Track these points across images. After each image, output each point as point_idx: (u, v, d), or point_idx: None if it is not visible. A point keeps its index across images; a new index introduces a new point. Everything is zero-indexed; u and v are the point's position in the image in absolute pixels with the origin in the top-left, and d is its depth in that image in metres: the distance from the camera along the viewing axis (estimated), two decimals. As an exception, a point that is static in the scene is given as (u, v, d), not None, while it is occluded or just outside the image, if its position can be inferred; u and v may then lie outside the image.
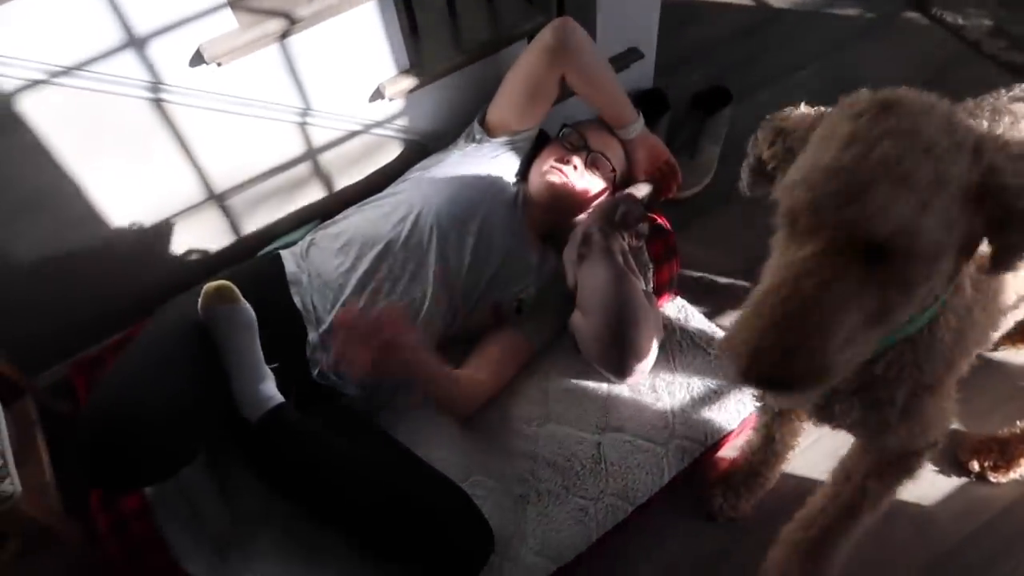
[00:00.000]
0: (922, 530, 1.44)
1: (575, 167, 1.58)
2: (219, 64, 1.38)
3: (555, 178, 1.57)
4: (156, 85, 1.36)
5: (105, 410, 1.14)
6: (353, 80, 1.57)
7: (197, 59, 1.36)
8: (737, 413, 1.49)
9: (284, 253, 1.54)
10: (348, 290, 1.44)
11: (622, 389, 1.53)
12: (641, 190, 1.60)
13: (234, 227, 1.68)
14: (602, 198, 1.63)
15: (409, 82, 1.60)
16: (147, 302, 1.63)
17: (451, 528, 1.29)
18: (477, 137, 1.64)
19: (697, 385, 1.52)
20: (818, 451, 1.54)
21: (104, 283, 1.59)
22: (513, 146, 1.65)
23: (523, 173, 1.70)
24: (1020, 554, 1.41)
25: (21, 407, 1.45)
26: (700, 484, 1.48)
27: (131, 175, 1.47)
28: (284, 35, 1.41)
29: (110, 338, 1.65)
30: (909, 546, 1.42)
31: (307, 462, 1.30)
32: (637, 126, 1.65)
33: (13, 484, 1.21)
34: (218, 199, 1.61)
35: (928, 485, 1.48)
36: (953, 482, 1.49)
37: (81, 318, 1.61)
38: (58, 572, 1.45)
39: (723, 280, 1.80)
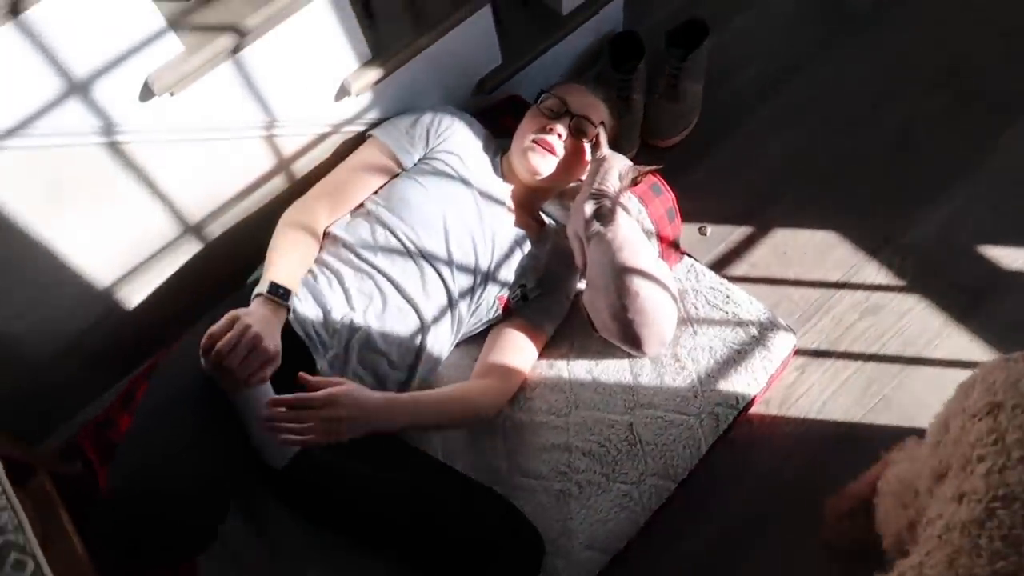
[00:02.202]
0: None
1: (559, 135, 1.50)
2: (172, 94, 1.27)
3: (537, 157, 1.49)
4: (109, 128, 1.25)
5: (130, 492, 1.08)
6: (316, 81, 1.46)
7: (147, 93, 1.25)
8: (764, 371, 1.46)
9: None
10: (350, 315, 1.38)
11: (645, 363, 1.49)
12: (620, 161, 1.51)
13: (217, 256, 1.59)
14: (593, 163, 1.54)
15: (374, 74, 1.49)
16: (142, 347, 1.57)
17: (499, 538, 1.27)
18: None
19: (719, 347, 1.49)
20: (849, 393, 1.53)
21: (92, 338, 1.50)
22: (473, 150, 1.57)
23: (501, 147, 1.62)
24: None
25: (38, 485, 1.39)
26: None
27: (101, 224, 1.37)
28: (236, 50, 1.29)
29: (110, 389, 1.58)
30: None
31: (344, 498, 1.27)
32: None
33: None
34: (196, 230, 1.51)
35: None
36: None
37: (75, 377, 1.54)
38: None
39: (726, 227, 1.75)
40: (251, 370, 1.15)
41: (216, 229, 1.55)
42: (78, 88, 1.18)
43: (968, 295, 1.59)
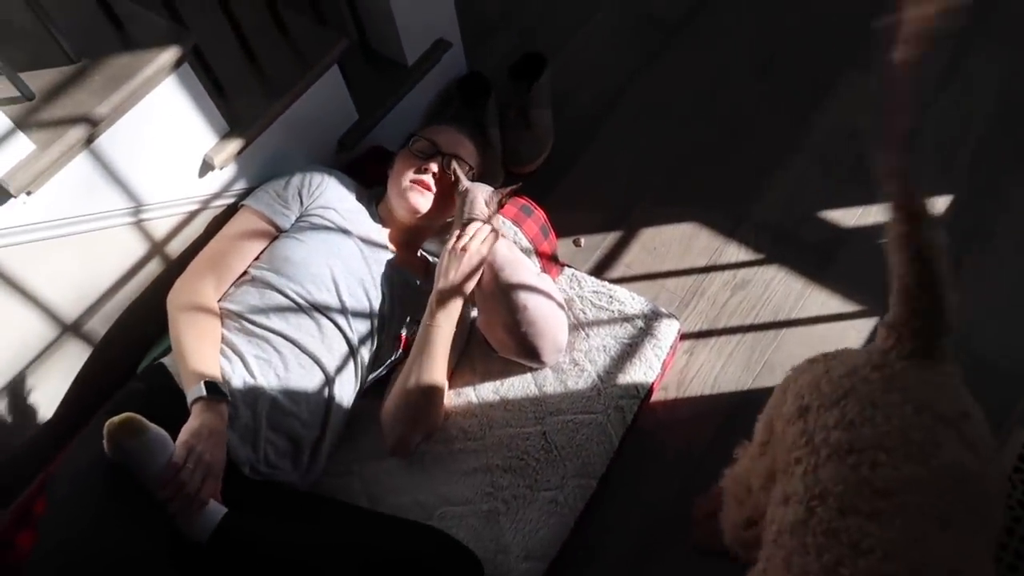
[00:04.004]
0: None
1: (434, 173, 1.56)
2: (28, 193, 1.25)
3: (416, 195, 1.55)
4: (-34, 238, 1.22)
5: None
6: (178, 160, 1.47)
7: (2, 195, 1.23)
8: (656, 358, 1.56)
9: (166, 360, 1.44)
10: (251, 382, 1.38)
11: (547, 373, 1.56)
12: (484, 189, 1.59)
13: (101, 352, 1.55)
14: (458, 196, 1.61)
15: (235, 145, 1.52)
16: (33, 461, 1.50)
17: (438, 569, 1.29)
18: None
19: (612, 345, 1.57)
20: (736, 364, 1.65)
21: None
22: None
23: (374, 196, 1.67)
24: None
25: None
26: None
27: (-31, 339, 1.32)
28: (89, 140, 1.29)
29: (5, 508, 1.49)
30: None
31: (276, 561, 1.25)
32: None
33: None
34: (74, 328, 1.48)
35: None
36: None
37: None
38: None
39: (597, 236, 1.86)
40: (204, 491, 1.22)
41: (97, 324, 1.52)
42: (-74, 201, 1.15)
43: (819, 255, 1.76)
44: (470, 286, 1.47)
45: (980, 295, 1.63)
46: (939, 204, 1.77)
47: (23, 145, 1.22)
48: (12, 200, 1.25)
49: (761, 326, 1.68)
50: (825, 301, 1.70)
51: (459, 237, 1.46)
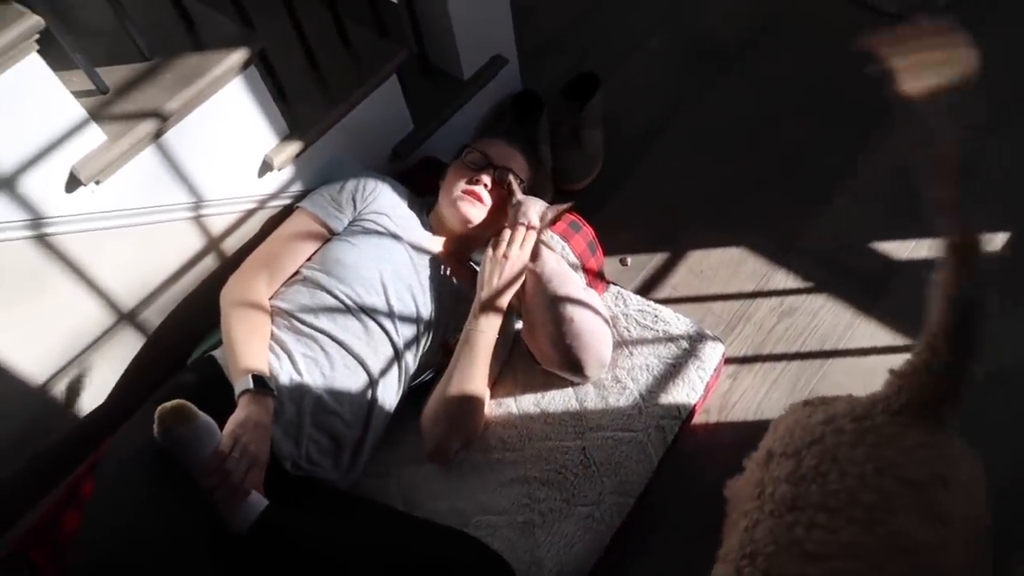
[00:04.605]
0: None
1: (486, 185, 1.58)
2: (97, 183, 1.30)
3: (468, 206, 1.56)
4: (37, 222, 1.26)
5: (102, 563, 1.08)
6: (239, 159, 1.51)
7: (73, 183, 1.28)
8: (699, 380, 1.54)
9: (216, 354, 1.47)
10: (298, 380, 1.40)
11: (588, 388, 1.55)
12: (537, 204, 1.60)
13: (154, 342, 1.59)
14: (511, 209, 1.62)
15: (294, 147, 1.55)
16: (85, 443, 1.53)
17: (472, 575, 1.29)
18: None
19: (655, 364, 1.57)
20: (780, 391, 1.63)
21: (32, 438, 1.47)
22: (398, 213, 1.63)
23: (425, 205, 1.69)
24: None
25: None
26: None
27: (33, 320, 1.37)
28: (158, 135, 1.34)
29: (48, 495, 1.52)
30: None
31: (311, 557, 1.26)
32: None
33: None
34: (130, 317, 1.51)
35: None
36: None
37: (17, 479, 1.48)
38: None
39: (644, 256, 1.86)
40: (248, 481, 1.24)
41: (152, 315, 1.56)
42: (3, 184, 1.19)
43: (870, 287, 1.73)
44: (511, 293, 1.47)
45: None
46: (996, 241, 1.74)
47: (95, 136, 1.27)
48: (82, 188, 1.29)
49: (807, 354, 1.66)
50: (874, 333, 1.67)
51: (501, 244, 1.47)
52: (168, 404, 1.20)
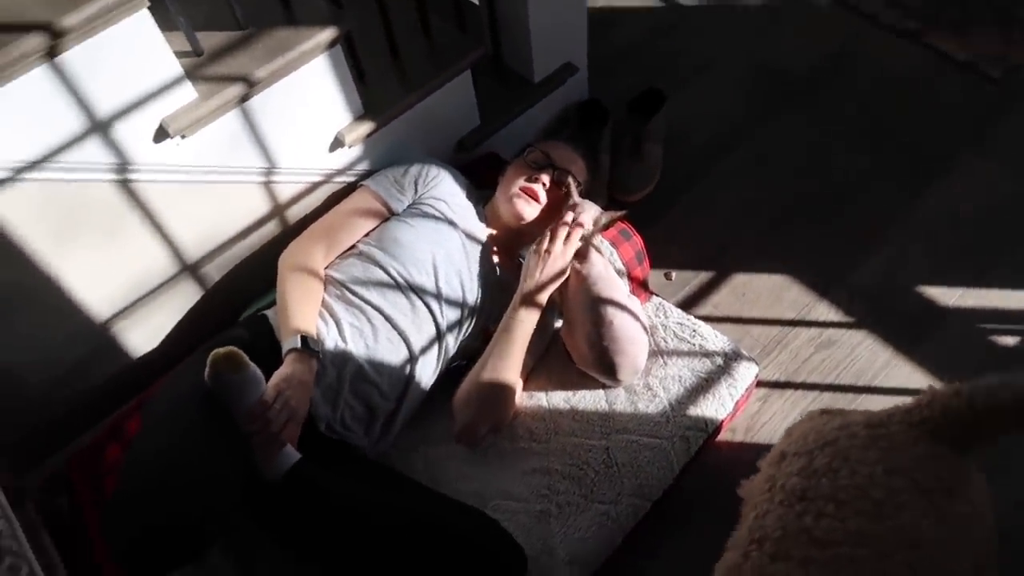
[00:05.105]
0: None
1: (544, 184, 1.63)
2: (183, 136, 1.38)
3: (523, 203, 1.61)
4: (123, 166, 1.35)
5: (145, 487, 1.13)
6: (314, 132, 1.58)
7: (161, 134, 1.36)
8: (730, 397, 1.57)
9: (268, 313, 1.55)
10: (342, 346, 1.46)
11: (619, 392, 1.59)
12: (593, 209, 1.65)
13: (212, 295, 1.67)
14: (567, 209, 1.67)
15: (366, 127, 1.63)
16: (133, 383, 1.62)
17: (485, 553, 1.32)
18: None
19: (688, 376, 1.59)
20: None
21: (88, 371, 1.56)
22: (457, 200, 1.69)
23: (483, 197, 1.75)
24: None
25: (23, 514, 1.41)
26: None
27: (105, 259, 1.45)
28: (244, 99, 1.42)
29: (98, 424, 1.61)
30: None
31: (337, 510, 1.31)
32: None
33: (41, 591, 1.18)
34: (192, 269, 1.60)
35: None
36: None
37: (68, 408, 1.58)
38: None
39: (689, 273, 1.89)
40: (286, 433, 1.31)
41: (212, 270, 1.64)
42: (100, 126, 1.28)
43: (911, 329, 1.74)
44: (552, 288, 1.52)
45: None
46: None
47: (188, 93, 1.35)
48: (168, 140, 1.38)
49: (840, 387, 1.67)
50: (910, 374, 1.67)
51: (546, 240, 1.52)
52: (221, 350, 1.27)
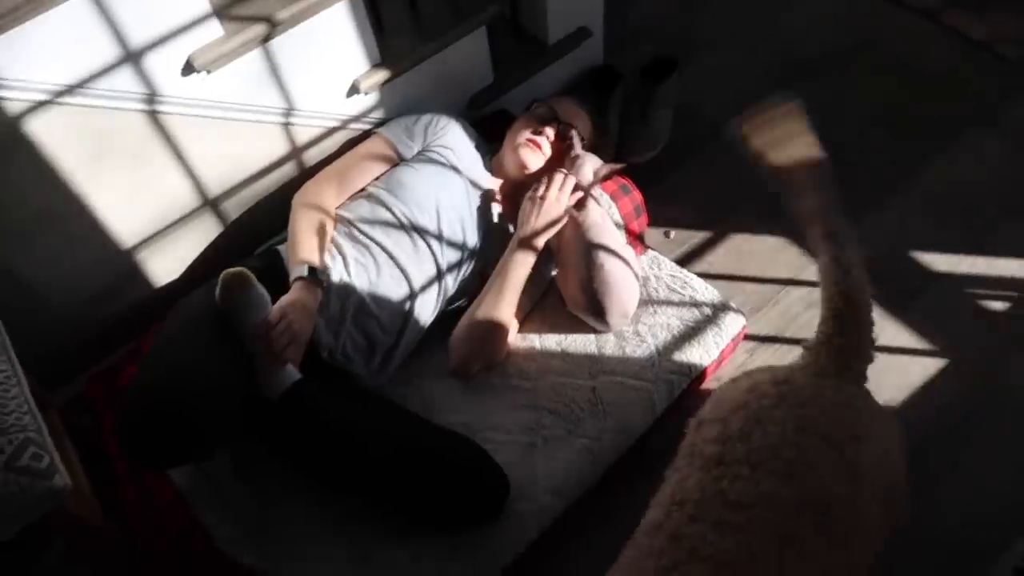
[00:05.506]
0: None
1: (548, 136, 1.70)
2: (208, 72, 1.48)
3: (528, 152, 1.69)
4: (152, 97, 1.45)
5: (156, 383, 1.23)
6: (331, 77, 1.67)
7: (188, 68, 1.46)
8: (715, 345, 1.63)
9: (280, 248, 1.64)
10: (347, 279, 1.55)
11: (608, 337, 1.66)
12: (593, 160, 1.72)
13: (230, 230, 1.77)
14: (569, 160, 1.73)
15: (382, 75, 1.71)
16: (153, 311, 1.72)
17: (470, 476, 1.41)
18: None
19: (676, 325, 1.66)
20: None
21: (110, 296, 1.67)
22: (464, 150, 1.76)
23: (491, 150, 1.82)
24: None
25: (48, 419, 1.52)
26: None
27: (132, 188, 1.56)
28: (266, 39, 1.51)
29: (119, 350, 1.73)
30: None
31: (331, 428, 1.40)
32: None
33: (63, 478, 1.29)
34: (213, 204, 1.70)
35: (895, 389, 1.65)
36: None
37: (91, 332, 1.69)
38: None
39: (688, 232, 1.95)
40: (287, 353, 1.38)
41: (232, 206, 1.74)
42: (133, 56, 1.39)
43: (902, 292, 1.78)
44: (549, 234, 1.59)
45: None
46: None
47: (215, 29, 1.45)
48: (195, 75, 1.48)
49: (827, 344, 1.72)
50: (897, 334, 1.72)
51: (542, 187, 1.59)
52: (232, 269, 1.37)
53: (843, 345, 1.04)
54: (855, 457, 0.95)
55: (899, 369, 1.67)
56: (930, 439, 1.58)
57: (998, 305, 1.74)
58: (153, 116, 1.49)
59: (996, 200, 1.92)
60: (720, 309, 1.67)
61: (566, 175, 1.60)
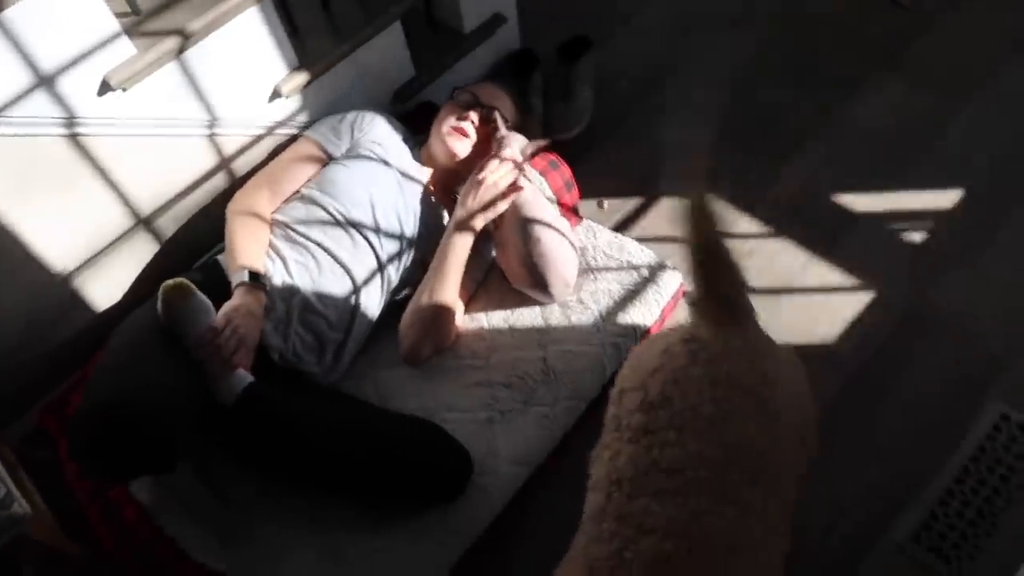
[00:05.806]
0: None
1: (472, 122, 1.74)
2: (124, 89, 1.48)
3: (454, 140, 1.72)
4: (71, 120, 1.45)
5: (107, 399, 1.22)
6: (251, 85, 1.68)
7: (104, 88, 1.46)
8: (656, 304, 1.69)
9: (220, 258, 1.65)
10: (289, 282, 1.57)
11: (554, 308, 1.70)
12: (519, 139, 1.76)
13: (167, 248, 1.76)
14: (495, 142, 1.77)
15: (302, 78, 1.73)
16: (97, 338, 1.69)
17: (432, 455, 1.44)
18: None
19: (616, 289, 1.71)
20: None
21: (51, 326, 1.66)
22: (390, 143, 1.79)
23: (418, 142, 1.85)
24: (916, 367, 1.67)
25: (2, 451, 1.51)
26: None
27: (61, 214, 1.54)
28: (180, 51, 1.51)
29: (67, 379, 1.71)
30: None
31: (289, 426, 1.41)
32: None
33: (21, 506, 1.29)
34: (146, 223, 1.69)
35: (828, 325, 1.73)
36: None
37: (38, 364, 1.67)
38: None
39: (620, 200, 2.01)
40: (236, 358, 1.40)
41: (167, 223, 1.74)
42: (45, 81, 1.38)
43: (826, 234, 1.87)
44: (487, 217, 1.62)
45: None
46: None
47: (126, 48, 1.45)
48: (111, 93, 1.47)
49: (762, 291, 1.80)
50: (825, 275, 1.80)
51: (480, 170, 1.63)
52: (171, 281, 1.38)
53: (722, 291, 1.06)
54: (771, 400, 0.98)
55: (831, 307, 1.75)
56: (866, 368, 1.66)
57: (917, 236, 1.84)
58: (74, 139, 1.48)
59: (906, 137, 2.02)
60: (657, 269, 1.73)
61: (502, 160, 1.64)
